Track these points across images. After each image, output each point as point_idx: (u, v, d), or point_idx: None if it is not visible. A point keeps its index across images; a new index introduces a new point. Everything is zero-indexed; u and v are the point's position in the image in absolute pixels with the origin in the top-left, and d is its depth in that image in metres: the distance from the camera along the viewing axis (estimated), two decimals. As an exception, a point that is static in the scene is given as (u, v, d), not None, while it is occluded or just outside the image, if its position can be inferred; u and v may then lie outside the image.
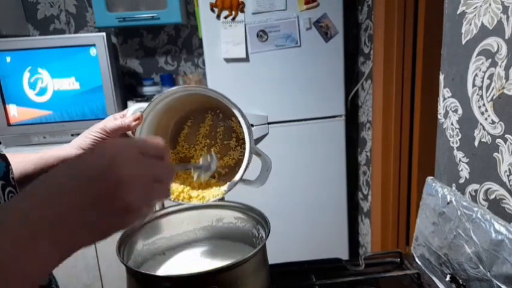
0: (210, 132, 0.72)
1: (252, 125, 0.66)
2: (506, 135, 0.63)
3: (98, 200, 0.34)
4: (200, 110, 0.71)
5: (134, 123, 0.61)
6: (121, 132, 0.61)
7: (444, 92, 0.79)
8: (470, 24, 0.70)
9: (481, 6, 0.67)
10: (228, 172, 0.70)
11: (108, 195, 0.34)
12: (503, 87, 0.62)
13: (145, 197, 0.37)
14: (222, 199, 0.67)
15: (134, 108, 0.64)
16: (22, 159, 0.58)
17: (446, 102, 0.79)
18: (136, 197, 0.35)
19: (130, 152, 0.36)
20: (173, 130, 0.72)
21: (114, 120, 0.61)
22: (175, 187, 0.65)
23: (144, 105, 0.64)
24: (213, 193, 0.65)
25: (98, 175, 0.34)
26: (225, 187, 0.65)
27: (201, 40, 1.85)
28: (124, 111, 0.65)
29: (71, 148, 0.61)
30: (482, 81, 0.67)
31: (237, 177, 0.63)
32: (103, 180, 0.34)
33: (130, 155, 0.36)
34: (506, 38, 0.62)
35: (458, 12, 0.73)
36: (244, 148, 0.63)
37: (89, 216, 0.34)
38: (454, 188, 0.78)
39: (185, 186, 0.66)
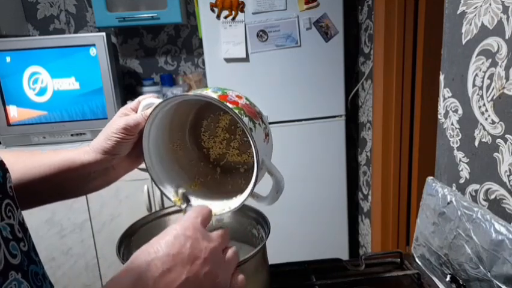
0: (230, 126, 0.68)
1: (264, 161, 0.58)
2: (507, 135, 0.63)
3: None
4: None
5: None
6: (141, 128, 0.58)
7: (444, 92, 0.79)
8: (470, 24, 0.70)
9: (481, 6, 0.67)
10: (246, 169, 0.68)
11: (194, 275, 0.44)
12: (504, 87, 0.62)
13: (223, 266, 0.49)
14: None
15: (146, 102, 0.62)
16: (40, 164, 0.56)
17: (446, 102, 0.79)
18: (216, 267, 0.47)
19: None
20: (193, 120, 0.69)
21: (133, 116, 0.59)
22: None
23: (154, 100, 0.61)
24: (220, 206, 0.61)
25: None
26: (231, 204, 0.60)
27: (200, 40, 1.85)
28: (133, 104, 0.62)
29: (96, 153, 0.57)
30: (483, 81, 0.67)
31: (242, 196, 0.58)
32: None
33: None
34: (507, 38, 0.62)
35: (458, 12, 0.73)
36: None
37: None
38: (454, 188, 0.78)
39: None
